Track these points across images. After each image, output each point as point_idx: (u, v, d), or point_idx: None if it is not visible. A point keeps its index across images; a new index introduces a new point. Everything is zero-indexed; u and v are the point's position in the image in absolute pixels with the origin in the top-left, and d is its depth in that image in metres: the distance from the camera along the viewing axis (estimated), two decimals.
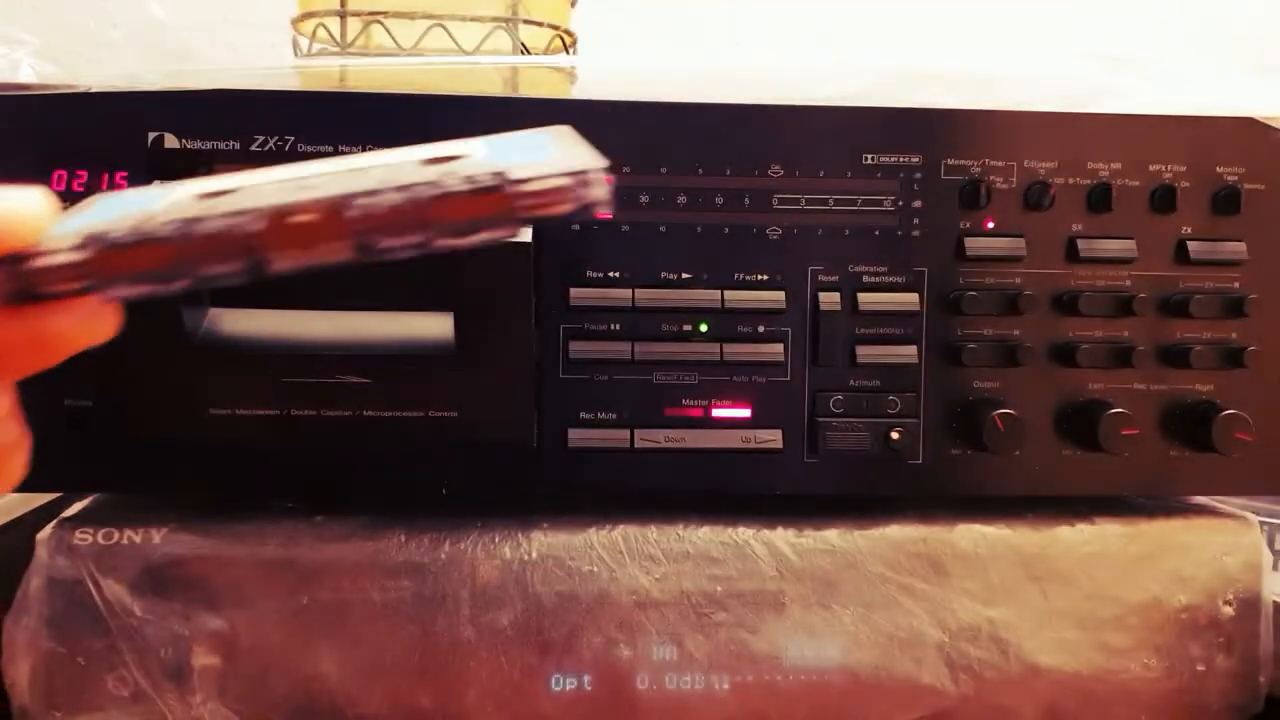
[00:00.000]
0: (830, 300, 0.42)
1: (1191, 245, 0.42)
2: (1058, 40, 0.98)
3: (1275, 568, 0.48)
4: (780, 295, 0.42)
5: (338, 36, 0.64)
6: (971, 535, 0.43)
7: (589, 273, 0.41)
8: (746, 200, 0.42)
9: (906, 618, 0.42)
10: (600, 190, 0.25)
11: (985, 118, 0.42)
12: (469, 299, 0.37)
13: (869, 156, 0.42)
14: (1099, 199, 0.42)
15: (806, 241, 0.42)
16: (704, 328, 0.42)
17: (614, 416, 0.42)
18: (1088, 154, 0.42)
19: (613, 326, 0.41)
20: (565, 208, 0.25)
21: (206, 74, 0.43)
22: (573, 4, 0.73)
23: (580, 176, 0.25)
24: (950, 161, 0.42)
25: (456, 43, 0.63)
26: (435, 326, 0.38)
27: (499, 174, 0.24)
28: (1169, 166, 0.42)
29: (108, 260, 0.23)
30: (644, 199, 0.41)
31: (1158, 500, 0.46)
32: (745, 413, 0.42)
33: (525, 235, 0.36)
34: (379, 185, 0.24)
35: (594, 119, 0.41)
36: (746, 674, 0.42)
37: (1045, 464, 0.43)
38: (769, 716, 0.42)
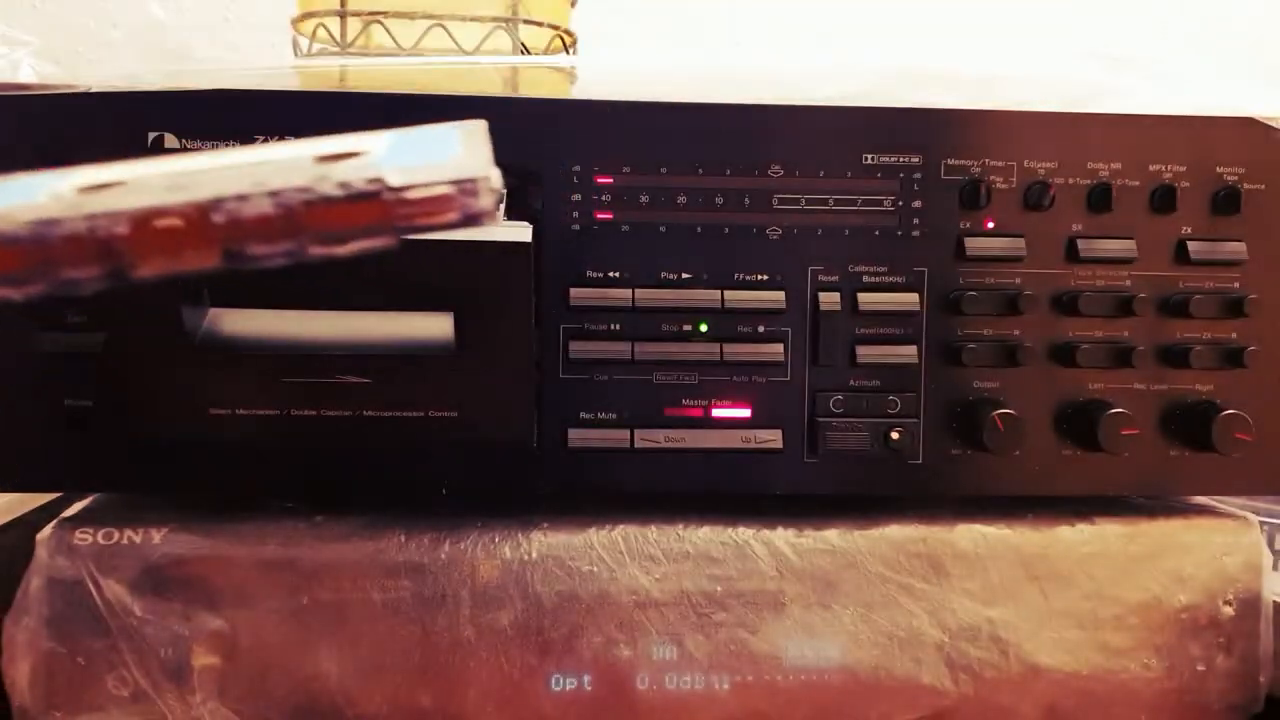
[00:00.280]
0: (830, 300, 0.42)
1: (1191, 245, 0.42)
2: (1058, 40, 0.98)
3: (1275, 568, 0.48)
4: (780, 295, 0.42)
5: (338, 36, 0.64)
6: (971, 535, 0.43)
7: (589, 273, 0.41)
8: (746, 200, 0.42)
9: (906, 617, 0.42)
10: (487, 200, 0.23)
11: (985, 118, 0.42)
12: (469, 299, 0.37)
13: (869, 156, 0.42)
14: (1099, 199, 0.42)
15: (806, 241, 0.42)
16: (704, 328, 0.42)
17: (614, 416, 0.42)
18: (1088, 154, 0.42)
19: (613, 326, 0.41)
20: (449, 218, 0.23)
21: (206, 74, 0.43)
22: (573, 4, 0.73)
23: (465, 185, 0.23)
24: (950, 161, 0.42)
25: (456, 43, 0.63)
26: (435, 326, 0.38)
27: (376, 180, 0.23)
28: (1169, 166, 0.42)
29: None
30: (644, 199, 0.41)
31: (1158, 500, 0.46)
32: (745, 413, 0.42)
33: (525, 235, 0.36)
34: (250, 189, 0.22)
35: (594, 119, 0.41)
36: (746, 674, 0.42)
37: (1045, 464, 0.43)
38: (769, 716, 0.42)
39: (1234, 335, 0.43)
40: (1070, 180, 0.42)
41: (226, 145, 0.40)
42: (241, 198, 0.22)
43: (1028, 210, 0.42)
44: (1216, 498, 0.47)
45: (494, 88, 0.52)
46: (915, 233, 0.42)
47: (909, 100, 0.42)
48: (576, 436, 0.41)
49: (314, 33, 0.66)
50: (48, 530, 0.40)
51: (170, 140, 0.39)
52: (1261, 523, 0.45)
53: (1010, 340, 0.42)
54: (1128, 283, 0.43)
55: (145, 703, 0.40)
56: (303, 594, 0.40)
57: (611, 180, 0.41)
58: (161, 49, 0.92)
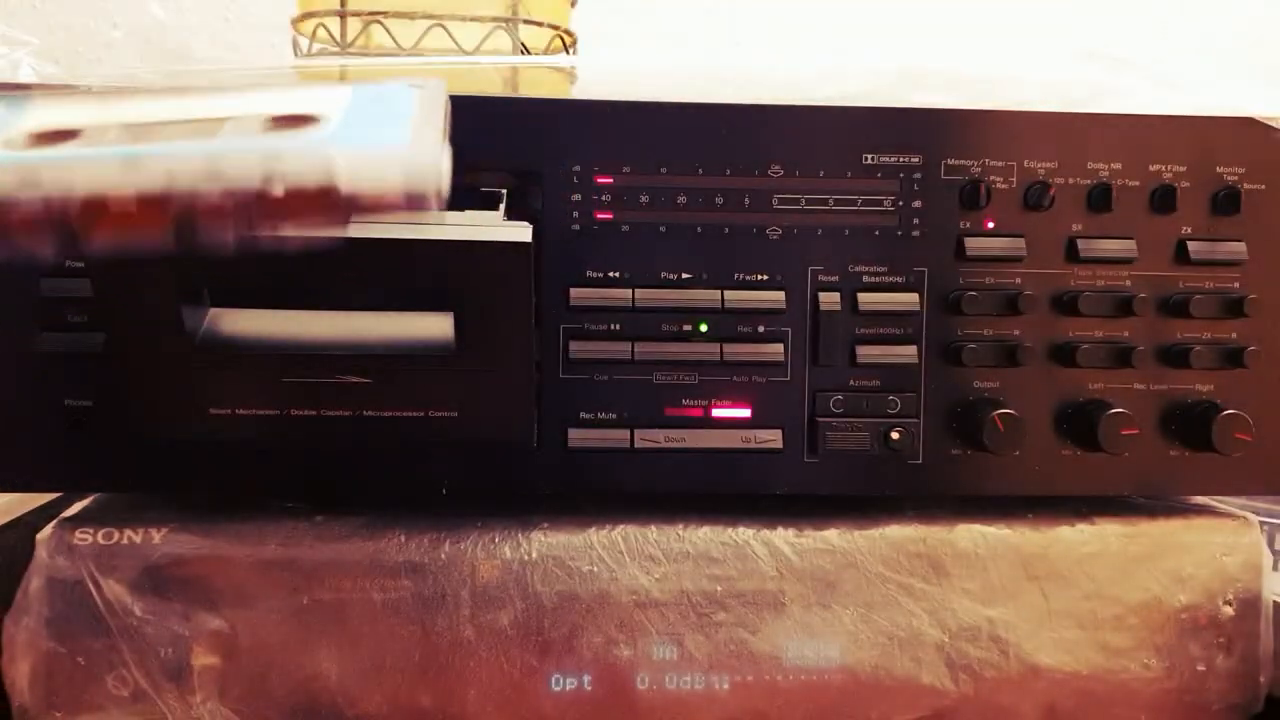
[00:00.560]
0: (830, 300, 0.42)
1: (1191, 245, 0.42)
2: (1058, 40, 0.98)
3: (1275, 568, 0.48)
4: (780, 295, 0.42)
5: (338, 36, 0.64)
6: (971, 535, 0.43)
7: (589, 273, 0.41)
8: (746, 200, 0.42)
9: (906, 617, 0.42)
10: (432, 200, 0.25)
11: (985, 118, 0.42)
12: (469, 299, 0.37)
13: (869, 156, 0.42)
14: (1099, 199, 0.42)
15: (806, 241, 0.42)
16: (704, 328, 0.42)
17: (614, 416, 0.42)
18: (1088, 154, 0.42)
19: (613, 326, 0.41)
20: (394, 210, 0.25)
21: (206, 74, 0.43)
22: (573, 4, 0.73)
23: (412, 190, 0.25)
24: (950, 161, 0.42)
25: (456, 43, 0.63)
26: (435, 326, 0.38)
27: (327, 187, 0.24)
28: (1169, 166, 0.42)
29: None
30: (644, 199, 0.41)
31: (1158, 500, 0.46)
32: (745, 413, 0.42)
33: (525, 235, 0.36)
34: (204, 181, 0.23)
35: (594, 119, 0.41)
36: (746, 674, 0.42)
37: (1045, 464, 0.43)
38: (769, 716, 0.42)
39: (1234, 335, 0.43)
40: (1070, 180, 0.42)
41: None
42: (193, 193, 0.23)
43: (1028, 210, 0.42)
44: (1216, 498, 0.47)
45: (494, 88, 0.52)
46: (915, 233, 0.42)
47: (909, 100, 0.42)
48: (576, 436, 0.41)
49: (314, 33, 0.66)
50: (48, 530, 0.40)
51: None
52: (1261, 523, 0.45)
53: (1010, 340, 0.42)
54: (1128, 283, 0.43)
55: (145, 703, 0.40)
56: (303, 594, 0.40)
57: (611, 180, 0.41)
58: (161, 49, 0.92)
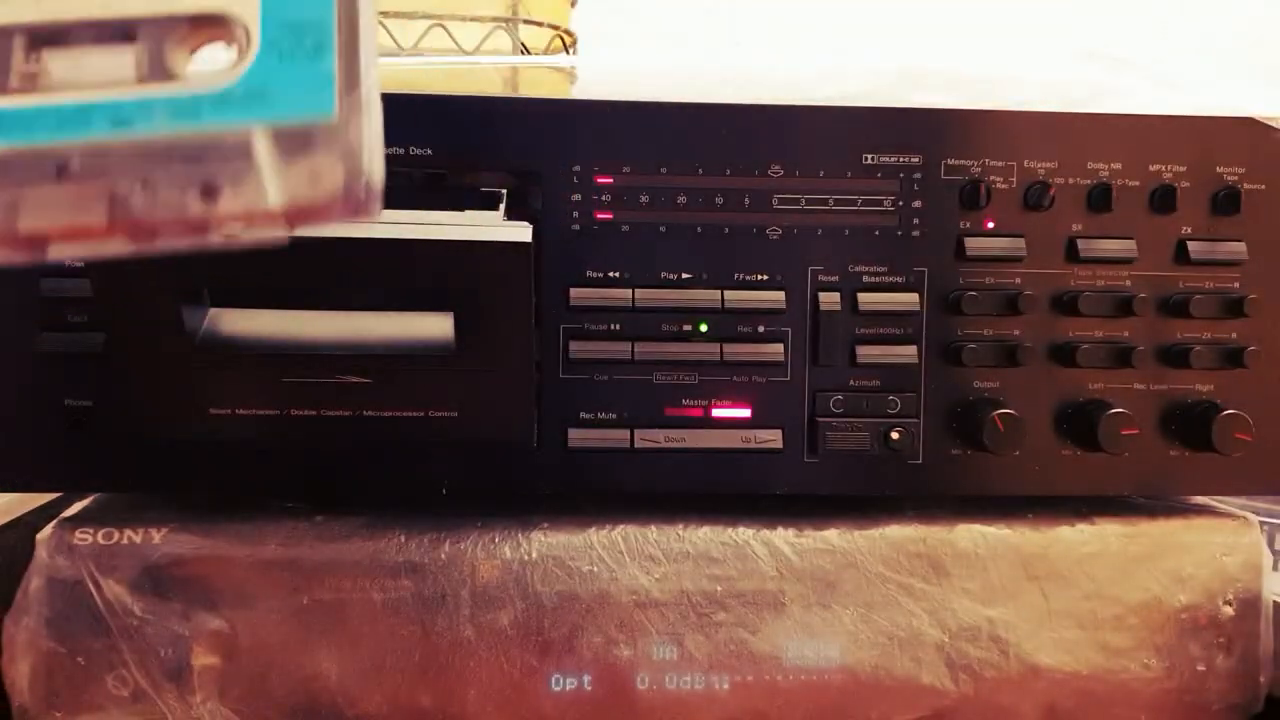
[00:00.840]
0: (830, 300, 0.42)
1: (1191, 245, 0.42)
2: (1058, 40, 0.98)
3: (1275, 568, 0.48)
4: (780, 295, 0.42)
5: None
6: (971, 535, 0.43)
7: (589, 273, 0.41)
8: (746, 200, 0.42)
9: (906, 617, 0.42)
10: (375, 205, 0.25)
11: (985, 118, 0.42)
12: (469, 299, 0.37)
13: (869, 156, 0.42)
14: (1099, 199, 0.42)
15: (806, 241, 0.42)
16: (704, 328, 0.42)
17: (614, 416, 0.42)
18: (1088, 154, 0.42)
19: (613, 326, 0.41)
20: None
21: None
22: (573, 4, 0.73)
23: (351, 195, 0.25)
24: (950, 161, 0.42)
25: (456, 43, 0.63)
26: (435, 326, 0.38)
27: (267, 212, 0.24)
28: (1169, 166, 0.42)
29: None
30: (644, 199, 0.41)
31: (1158, 500, 0.46)
32: (745, 413, 0.42)
33: (525, 235, 0.36)
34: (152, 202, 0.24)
35: (594, 119, 0.41)
36: (746, 674, 0.42)
37: (1045, 464, 0.43)
38: (769, 716, 0.42)
39: (1234, 335, 0.43)
40: (1070, 180, 0.42)
41: None
42: (144, 217, 0.24)
43: (1028, 210, 0.42)
44: (1216, 498, 0.47)
45: (494, 88, 0.52)
46: (915, 233, 0.42)
47: (909, 100, 0.42)
48: (576, 436, 0.41)
49: None
50: (48, 530, 0.40)
51: None
52: (1261, 523, 0.45)
53: (1010, 340, 0.42)
54: (1128, 283, 0.43)
55: (145, 703, 0.40)
56: (303, 594, 0.40)
57: (611, 180, 0.41)
58: None
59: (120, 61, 0.24)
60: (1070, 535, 0.43)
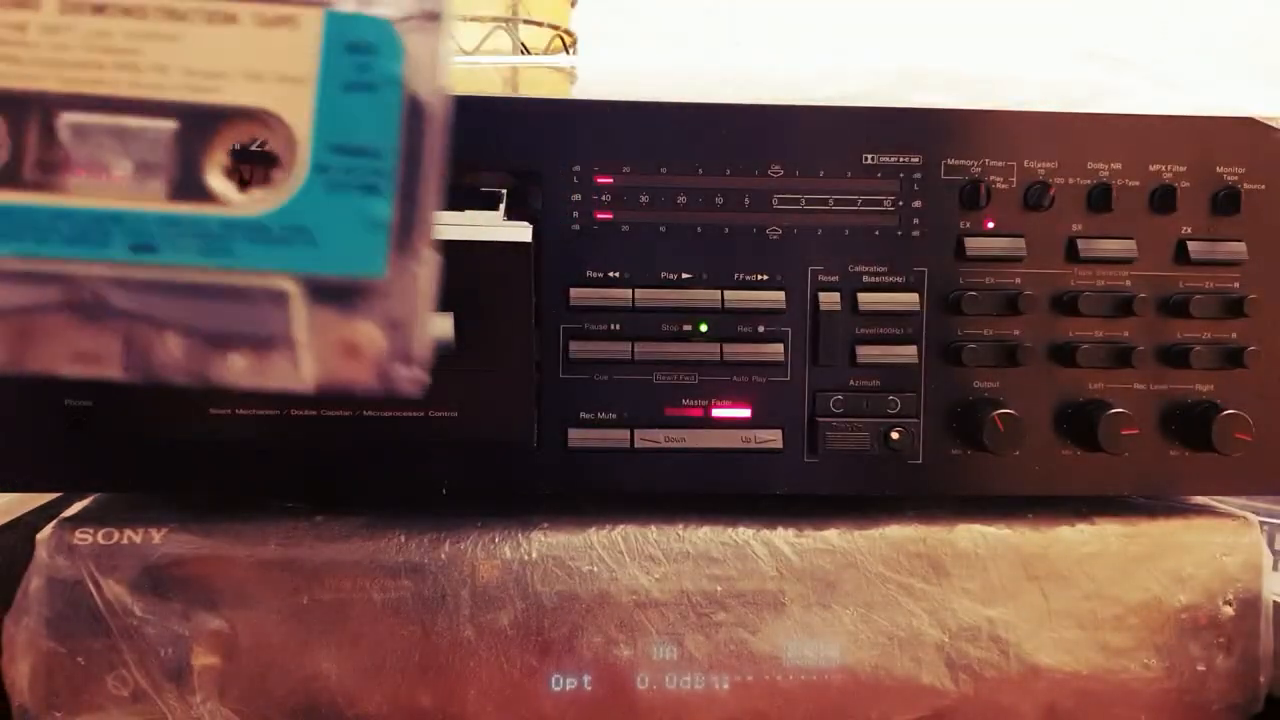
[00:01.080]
0: (830, 300, 0.42)
1: (1191, 245, 0.42)
2: (1058, 40, 0.98)
3: (1275, 568, 0.48)
4: (780, 295, 0.42)
5: None
6: (971, 535, 0.43)
7: (589, 273, 0.41)
8: (746, 200, 0.42)
9: (906, 617, 0.42)
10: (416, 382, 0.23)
11: (985, 118, 0.42)
12: (469, 299, 0.37)
13: (869, 156, 0.42)
14: (1099, 199, 0.42)
15: (806, 241, 0.42)
16: (704, 328, 0.42)
17: (614, 416, 0.42)
18: (1088, 154, 0.42)
19: (613, 326, 0.41)
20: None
21: None
22: (573, 4, 0.73)
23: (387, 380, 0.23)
24: (950, 161, 0.42)
25: (457, 43, 0.63)
26: (435, 326, 0.38)
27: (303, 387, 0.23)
28: (1169, 166, 0.42)
29: None
30: (644, 199, 0.41)
31: (1158, 500, 0.46)
32: (745, 413, 0.42)
33: (525, 235, 0.36)
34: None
35: (594, 119, 0.41)
36: (746, 674, 0.42)
37: (1045, 464, 0.43)
38: (769, 716, 0.42)
39: (1234, 335, 0.43)
40: (1070, 180, 0.42)
41: None
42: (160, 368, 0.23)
43: (1028, 210, 0.42)
44: (1216, 498, 0.47)
45: (494, 88, 0.52)
46: (915, 233, 0.42)
47: (909, 100, 0.42)
48: (576, 436, 0.41)
49: None
50: (48, 530, 0.40)
51: None
52: (1261, 523, 0.45)
53: (1010, 340, 0.42)
54: (1128, 283, 0.43)
55: (145, 703, 0.40)
56: (303, 594, 0.40)
57: (611, 180, 0.41)
58: None
59: (148, 152, 0.20)
60: (1070, 535, 0.43)
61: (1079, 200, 0.42)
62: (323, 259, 0.20)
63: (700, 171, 0.41)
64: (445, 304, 0.38)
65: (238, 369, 0.21)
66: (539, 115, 0.41)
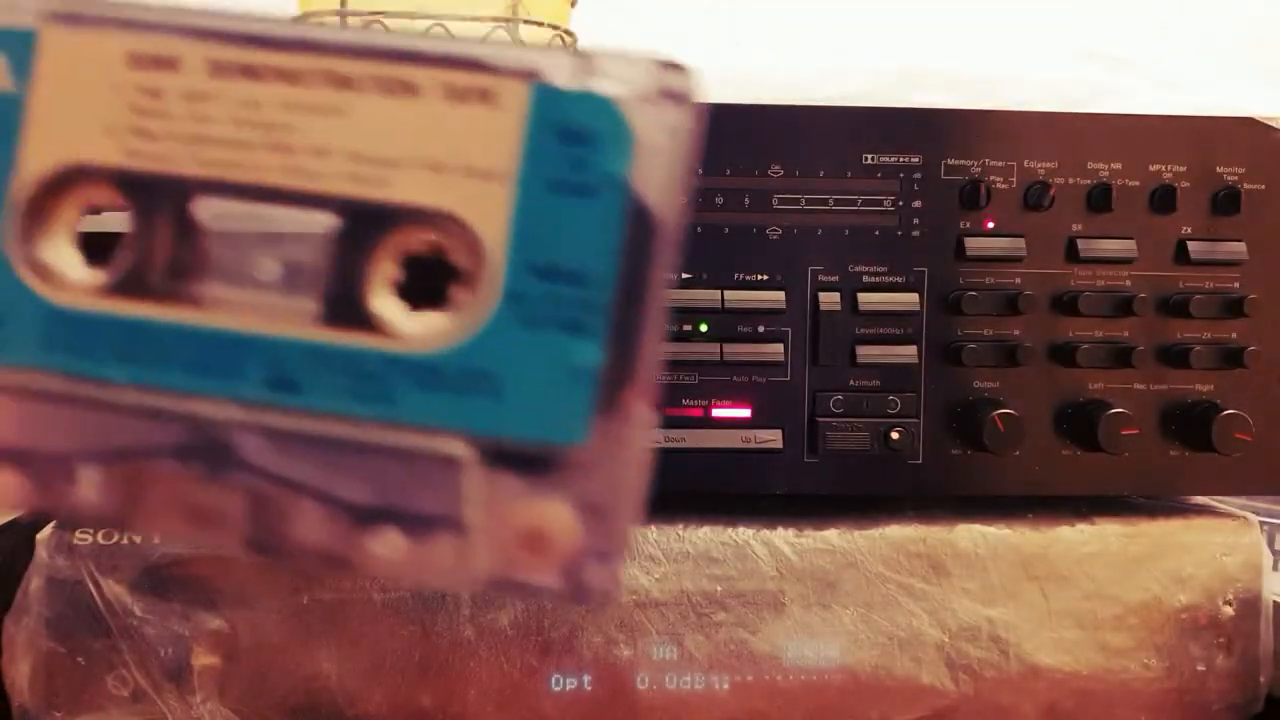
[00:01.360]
0: (830, 300, 0.42)
1: (1191, 245, 0.42)
2: (1058, 40, 0.98)
3: (1275, 568, 0.48)
4: (780, 295, 0.42)
5: None
6: (971, 535, 0.43)
7: None
8: (746, 200, 0.42)
9: (906, 617, 0.42)
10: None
11: (985, 118, 0.42)
12: None
13: (869, 156, 0.42)
14: (1099, 199, 0.42)
15: (806, 241, 0.42)
16: (704, 328, 0.42)
17: None
18: (1088, 154, 0.42)
19: None
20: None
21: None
22: (573, 4, 0.73)
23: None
24: (950, 161, 0.42)
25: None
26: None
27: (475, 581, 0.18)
28: (1169, 166, 0.42)
29: None
30: None
31: (1158, 500, 0.46)
32: (745, 413, 0.42)
33: None
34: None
35: None
36: (746, 674, 0.42)
37: (1045, 464, 0.43)
38: (769, 716, 0.42)
39: (1234, 335, 0.43)
40: (1070, 180, 0.42)
41: None
42: (286, 545, 0.17)
43: (1028, 210, 0.42)
44: (1216, 498, 0.47)
45: None
46: (915, 233, 0.42)
47: (909, 100, 0.43)
48: None
49: None
50: (48, 530, 0.40)
51: None
52: (1261, 523, 0.45)
53: (1010, 340, 0.42)
54: (1128, 283, 0.43)
55: (145, 703, 0.40)
56: (303, 594, 0.40)
57: None
58: None
59: (297, 259, 0.16)
60: (1070, 535, 0.43)
61: (1079, 200, 0.42)
62: (508, 417, 0.15)
63: (700, 171, 0.41)
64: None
65: (388, 554, 0.16)
66: None
